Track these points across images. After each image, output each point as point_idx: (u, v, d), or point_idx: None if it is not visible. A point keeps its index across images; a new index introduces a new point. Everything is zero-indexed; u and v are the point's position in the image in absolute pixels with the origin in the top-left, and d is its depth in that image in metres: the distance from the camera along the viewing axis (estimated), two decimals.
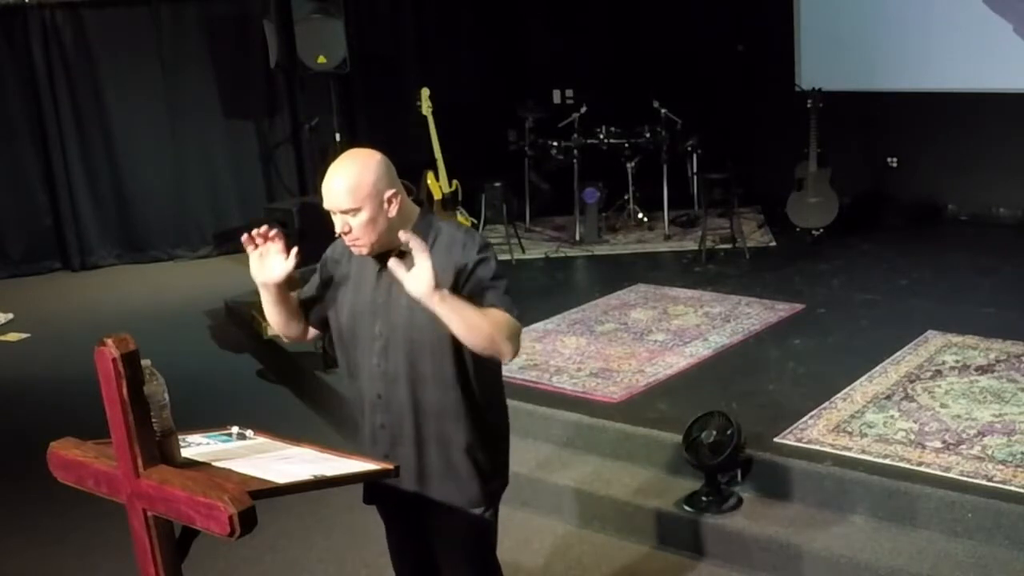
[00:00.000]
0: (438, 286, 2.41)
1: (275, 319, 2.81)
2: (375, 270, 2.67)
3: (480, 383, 2.66)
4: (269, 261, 2.64)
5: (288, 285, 2.70)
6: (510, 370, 4.96)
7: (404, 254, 2.64)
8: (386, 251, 2.63)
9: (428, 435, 2.66)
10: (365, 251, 2.61)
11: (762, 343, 5.42)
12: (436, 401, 2.64)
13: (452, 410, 2.65)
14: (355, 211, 2.54)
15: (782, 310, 5.88)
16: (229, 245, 9.17)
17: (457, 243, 2.62)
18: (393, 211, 2.58)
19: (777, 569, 3.76)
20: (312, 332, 2.88)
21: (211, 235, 9.21)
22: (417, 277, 2.40)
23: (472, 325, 2.47)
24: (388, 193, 2.57)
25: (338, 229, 2.59)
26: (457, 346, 2.60)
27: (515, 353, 2.57)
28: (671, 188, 8.00)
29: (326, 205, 2.59)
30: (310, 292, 2.84)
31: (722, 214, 7.58)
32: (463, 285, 2.57)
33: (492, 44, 9.48)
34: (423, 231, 2.63)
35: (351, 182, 2.53)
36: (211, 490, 1.97)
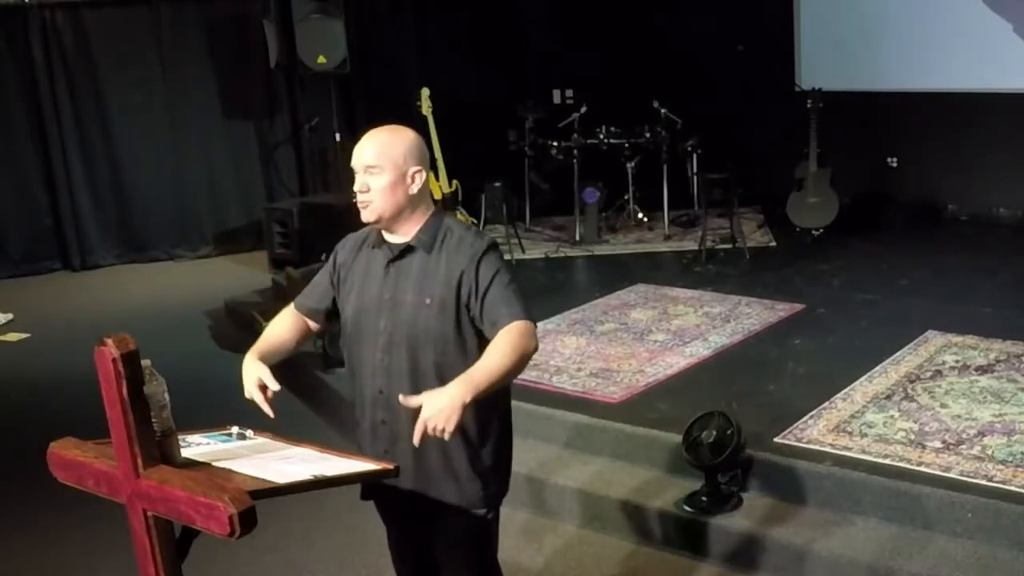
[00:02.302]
0: (447, 401, 2.38)
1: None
2: (383, 265, 2.68)
3: None
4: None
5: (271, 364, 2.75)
6: None
7: (413, 249, 2.65)
8: (394, 244, 2.65)
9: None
10: (372, 217, 2.62)
11: (762, 343, 5.42)
12: None
13: None
14: (378, 170, 2.58)
15: (782, 310, 5.88)
16: (229, 245, 9.19)
17: (465, 243, 2.63)
18: (414, 188, 2.61)
19: (777, 569, 3.76)
20: (313, 325, 2.92)
21: (211, 235, 9.21)
22: (436, 409, 2.38)
23: (510, 372, 2.49)
24: (413, 169, 2.61)
25: (356, 187, 2.62)
26: (461, 345, 2.61)
27: (537, 348, 2.59)
28: (671, 188, 8.00)
29: (352, 163, 2.63)
30: (313, 290, 2.87)
31: (722, 214, 7.58)
32: (462, 290, 2.59)
33: (492, 44, 9.48)
34: (433, 229, 2.65)
35: (382, 142, 2.61)
36: (211, 490, 1.97)
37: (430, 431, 2.38)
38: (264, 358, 2.72)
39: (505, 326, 2.54)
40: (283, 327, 2.88)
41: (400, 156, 2.59)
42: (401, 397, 2.48)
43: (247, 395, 2.65)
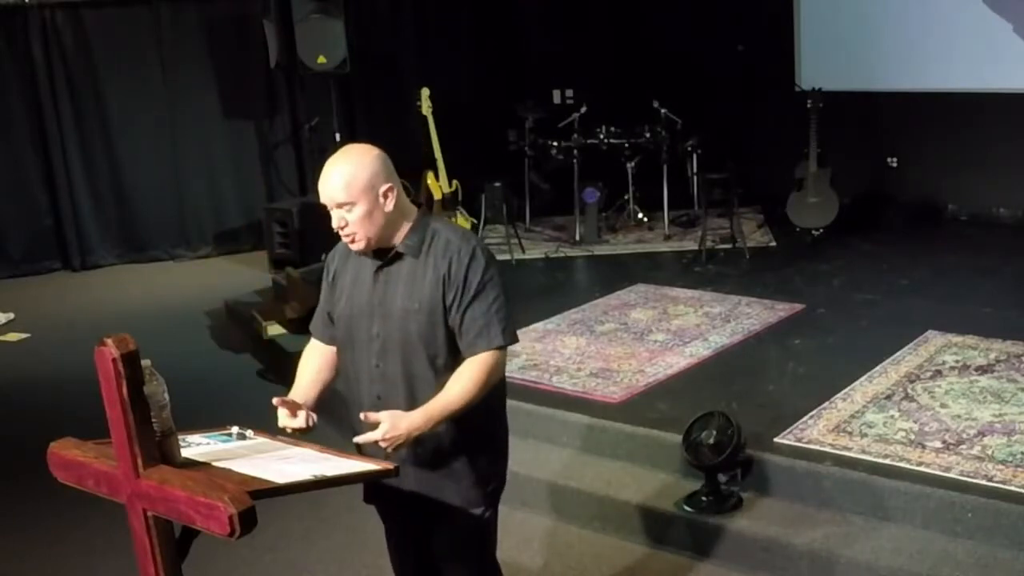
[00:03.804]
0: (405, 428, 2.50)
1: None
2: (371, 271, 2.67)
3: None
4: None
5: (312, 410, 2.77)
6: (510, 370, 4.95)
7: (401, 255, 2.64)
8: (384, 249, 2.63)
9: (426, 436, 2.65)
10: (361, 246, 2.61)
11: (762, 343, 5.42)
12: None
13: None
14: (350, 205, 2.55)
15: (782, 310, 5.88)
16: (229, 245, 9.19)
17: (451, 249, 2.61)
18: (389, 205, 2.58)
19: (777, 569, 3.76)
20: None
21: (211, 235, 9.21)
22: (392, 435, 2.50)
23: (469, 404, 2.57)
24: (383, 187, 2.57)
25: (335, 224, 2.60)
26: (454, 349, 2.61)
27: (503, 374, 2.69)
28: (671, 188, 7.99)
29: (322, 199, 2.60)
30: (323, 312, 2.85)
31: (722, 214, 7.57)
32: (447, 294, 2.59)
33: (492, 44, 9.48)
34: (419, 233, 2.63)
35: (346, 176, 2.54)
36: (211, 490, 1.97)
37: (379, 445, 2.51)
38: (299, 397, 2.75)
39: (477, 355, 2.58)
40: (311, 361, 2.89)
41: (367, 182, 2.54)
42: (362, 415, 2.54)
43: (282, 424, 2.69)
